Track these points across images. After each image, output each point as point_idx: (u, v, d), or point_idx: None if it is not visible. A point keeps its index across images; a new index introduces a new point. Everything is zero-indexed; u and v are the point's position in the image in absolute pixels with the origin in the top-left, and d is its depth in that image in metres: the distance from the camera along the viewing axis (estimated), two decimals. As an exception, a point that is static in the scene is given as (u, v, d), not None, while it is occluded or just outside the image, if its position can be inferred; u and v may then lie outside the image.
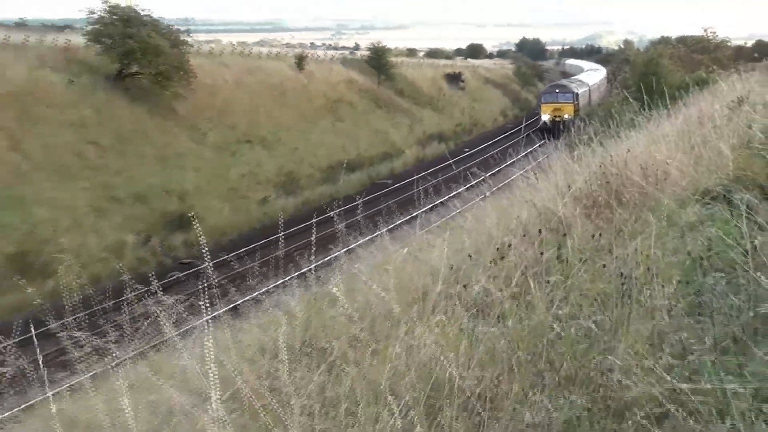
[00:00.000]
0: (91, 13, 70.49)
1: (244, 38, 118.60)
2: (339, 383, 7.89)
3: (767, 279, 7.86)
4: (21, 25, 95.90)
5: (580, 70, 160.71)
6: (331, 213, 32.49)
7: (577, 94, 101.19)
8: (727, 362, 7.42)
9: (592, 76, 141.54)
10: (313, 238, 20.41)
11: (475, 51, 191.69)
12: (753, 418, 6.54)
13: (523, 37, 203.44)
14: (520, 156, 34.08)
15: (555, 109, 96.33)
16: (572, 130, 24.88)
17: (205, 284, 7.79)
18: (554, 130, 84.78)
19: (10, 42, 68.93)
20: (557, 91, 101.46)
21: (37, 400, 13.03)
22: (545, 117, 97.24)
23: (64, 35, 76.86)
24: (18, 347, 8.88)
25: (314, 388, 7.49)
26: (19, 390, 10.76)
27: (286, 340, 7.30)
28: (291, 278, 22.51)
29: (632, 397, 7.06)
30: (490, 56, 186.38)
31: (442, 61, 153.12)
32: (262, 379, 7.25)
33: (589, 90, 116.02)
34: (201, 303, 8.79)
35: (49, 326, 10.80)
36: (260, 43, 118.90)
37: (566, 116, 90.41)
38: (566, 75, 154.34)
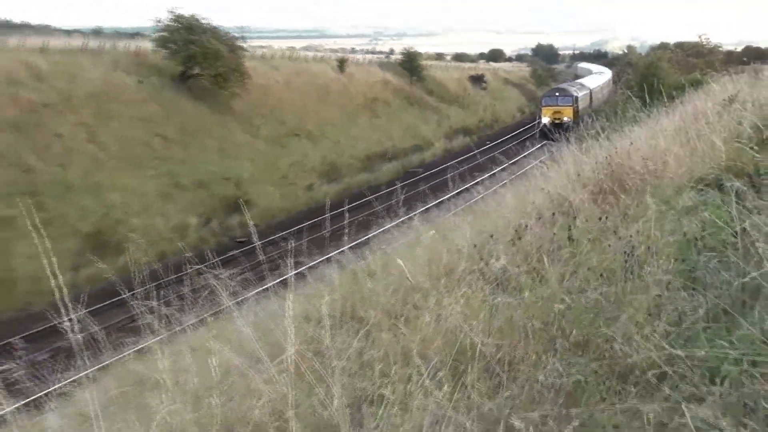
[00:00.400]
0: (159, 21, 71.65)
1: (293, 44, 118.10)
2: (375, 348, 7.90)
3: (755, 257, 7.89)
4: (97, 32, 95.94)
5: (589, 72, 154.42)
6: (370, 197, 32.38)
7: (576, 98, 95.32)
8: (718, 330, 7.46)
9: (594, 79, 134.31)
10: (346, 221, 20.35)
11: (495, 55, 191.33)
12: (742, 380, 6.56)
13: (538, 43, 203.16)
14: (535, 148, 34.13)
15: (555, 112, 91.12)
16: (573, 131, 24.90)
17: (260, 259, 7.82)
18: (554, 132, 77.18)
19: (87, 48, 69.59)
20: (557, 94, 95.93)
21: (109, 361, 13.04)
22: (545, 120, 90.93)
23: (135, 42, 77.60)
24: (93, 315, 8.89)
25: (353, 352, 7.50)
26: (93, 353, 10.74)
27: (329, 309, 7.30)
28: (333, 254, 22.50)
29: (633, 361, 7.06)
30: (509, 60, 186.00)
31: (467, 64, 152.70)
32: (307, 343, 7.26)
33: (591, 92, 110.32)
34: (253, 276, 8.81)
35: (121, 296, 10.82)
36: (307, 48, 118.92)
37: (566, 119, 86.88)
38: (578, 76, 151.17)
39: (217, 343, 8.85)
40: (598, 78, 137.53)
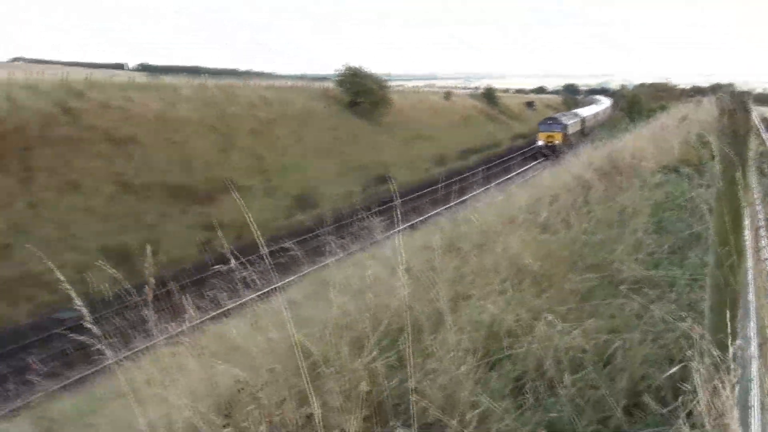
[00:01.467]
0: (338, 71, 74.79)
1: (417, 83, 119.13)
2: (466, 266, 7.89)
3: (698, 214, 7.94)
4: (300, 77, 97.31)
5: (596, 101, 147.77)
6: (466, 174, 32.26)
7: (566, 125, 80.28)
8: (674, 259, 7.51)
9: (590, 108, 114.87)
10: (439, 188, 20.24)
11: (540, 89, 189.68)
12: (688, 290, 6.61)
13: (566, 83, 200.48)
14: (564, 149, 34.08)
15: (548, 137, 76.89)
16: (562, 152, 24.74)
17: (397, 212, 7.79)
18: (547, 152, 71.36)
19: (295, 86, 72.38)
20: (550, 122, 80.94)
21: (307, 271, 13.03)
22: (540, 142, 77.55)
23: (323, 83, 78.90)
24: (296, 244, 8.98)
25: (452, 268, 7.49)
26: (298, 266, 10.83)
27: (439, 242, 7.29)
28: (442, 210, 22.37)
29: (624, 276, 7.03)
30: (549, 93, 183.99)
31: (523, 96, 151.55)
32: (425, 262, 7.26)
33: (583, 120, 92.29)
34: (395, 219, 8.78)
35: (313, 233, 10.88)
36: (425, 86, 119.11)
37: (556, 142, 72.89)
38: (585, 104, 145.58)
39: (371, 260, 8.89)
40: (594, 107, 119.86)
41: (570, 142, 62.57)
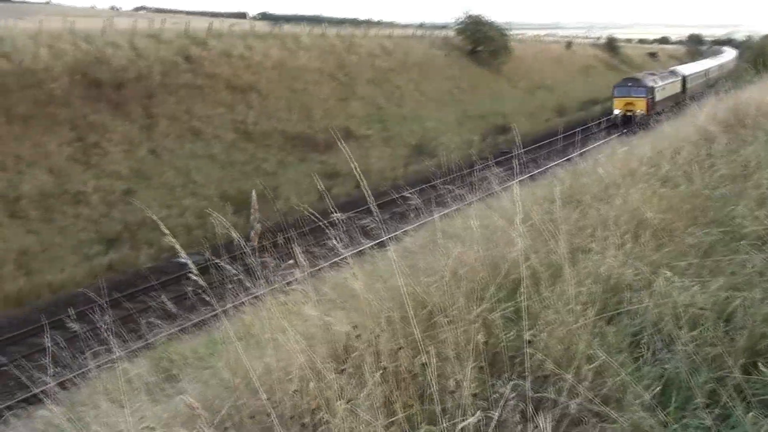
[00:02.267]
0: (458, 18, 75.22)
1: (537, 32, 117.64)
2: (586, 218, 7.82)
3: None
4: (421, 26, 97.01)
5: (720, 52, 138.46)
6: (587, 125, 31.78)
7: (652, 89, 60.34)
8: None
9: (701, 63, 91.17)
10: (559, 140, 19.99)
11: (664, 40, 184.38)
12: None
13: (691, 33, 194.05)
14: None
15: (626, 104, 58.68)
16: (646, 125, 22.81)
17: (516, 163, 7.76)
18: (624, 125, 54.57)
19: (415, 35, 72.47)
20: (629, 84, 61.42)
21: (424, 221, 13.06)
22: (616, 111, 59.22)
23: (443, 31, 78.74)
24: (414, 192, 9.01)
25: (572, 220, 7.44)
26: (417, 216, 10.83)
27: (559, 193, 7.22)
28: (561, 161, 22.17)
29: (746, 231, 6.80)
30: (673, 43, 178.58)
31: (646, 46, 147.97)
32: (545, 213, 7.21)
33: (684, 80, 70.15)
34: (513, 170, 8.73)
35: (432, 183, 10.86)
36: (547, 35, 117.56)
37: (638, 112, 56.67)
38: (712, 54, 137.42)
39: (489, 211, 8.89)
40: (709, 61, 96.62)
41: (657, 110, 49.83)
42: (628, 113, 57.60)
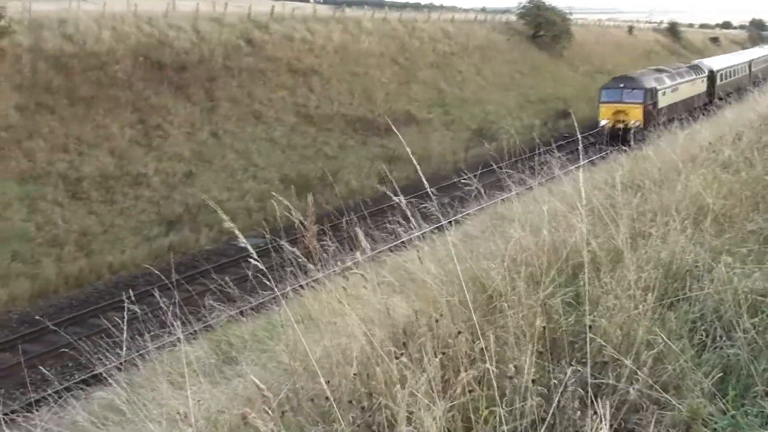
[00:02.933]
0: (521, 3, 74.56)
1: (598, 17, 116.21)
2: (646, 203, 7.78)
3: None
4: (483, 10, 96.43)
5: None
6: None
7: (652, 91, 44.11)
8: None
9: (735, 57, 67.50)
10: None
11: (726, 25, 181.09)
12: None
13: (753, 18, 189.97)
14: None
15: (617, 112, 43.04)
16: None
17: (578, 147, 7.70)
18: (617, 140, 34.29)
19: (476, 19, 72.03)
20: (622, 85, 44.95)
21: (485, 205, 13.04)
22: (603, 121, 43.31)
23: (505, 15, 78.50)
24: (475, 176, 8.97)
25: (633, 205, 7.39)
26: (478, 201, 10.84)
27: (619, 178, 7.20)
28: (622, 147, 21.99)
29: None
30: (735, 28, 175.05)
31: (707, 31, 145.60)
32: (605, 198, 7.19)
33: (711, 75, 53.42)
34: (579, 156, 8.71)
35: (491, 167, 10.83)
36: (608, 20, 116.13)
37: (632, 122, 40.27)
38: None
39: (550, 195, 8.86)
40: (749, 53, 73.33)
41: (660, 120, 35.09)
42: (619, 125, 40.97)
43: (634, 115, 41.73)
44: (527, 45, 70.98)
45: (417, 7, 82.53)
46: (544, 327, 4.87)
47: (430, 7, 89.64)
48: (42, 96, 32.61)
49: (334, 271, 6.88)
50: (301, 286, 7.41)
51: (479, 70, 60.47)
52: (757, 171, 8.42)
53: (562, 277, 5.81)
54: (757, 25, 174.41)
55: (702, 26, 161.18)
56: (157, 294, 7.89)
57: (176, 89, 38.37)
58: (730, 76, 56.81)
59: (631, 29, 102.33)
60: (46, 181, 29.39)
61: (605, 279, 5.51)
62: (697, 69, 53.20)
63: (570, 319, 5.20)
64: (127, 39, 38.97)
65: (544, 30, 72.05)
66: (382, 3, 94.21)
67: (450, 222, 7.20)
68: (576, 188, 5.71)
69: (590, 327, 4.78)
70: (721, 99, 35.85)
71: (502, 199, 11.88)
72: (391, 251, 9.04)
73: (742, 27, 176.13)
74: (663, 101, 44.47)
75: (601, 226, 6.58)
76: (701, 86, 51.51)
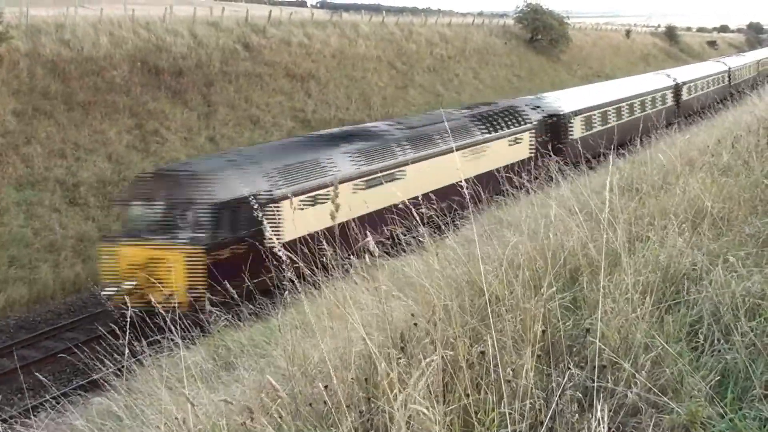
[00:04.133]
0: (518, 7, 75.52)
1: (596, 20, 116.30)
2: (644, 207, 7.80)
3: None
4: (480, 14, 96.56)
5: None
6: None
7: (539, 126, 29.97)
8: None
9: (696, 69, 57.99)
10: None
11: (723, 28, 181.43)
12: None
13: (751, 21, 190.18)
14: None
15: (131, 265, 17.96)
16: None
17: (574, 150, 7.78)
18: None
19: (473, 23, 71.79)
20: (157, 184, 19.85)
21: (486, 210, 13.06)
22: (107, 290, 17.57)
23: (503, 19, 78.79)
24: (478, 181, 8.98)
25: (631, 209, 7.41)
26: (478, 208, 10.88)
27: (616, 183, 7.22)
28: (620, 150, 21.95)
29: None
30: (732, 32, 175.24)
31: (705, 34, 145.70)
32: (602, 203, 7.21)
33: (676, 89, 47.00)
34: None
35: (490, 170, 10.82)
36: (606, 24, 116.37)
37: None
38: None
39: (548, 200, 8.87)
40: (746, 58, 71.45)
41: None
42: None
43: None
44: (525, 49, 71.25)
45: (414, 11, 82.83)
46: (542, 331, 4.88)
47: (427, 11, 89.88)
48: (39, 101, 32.51)
49: (333, 275, 6.87)
50: (299, 291, 7.41)
51: (477, 73, 60.60)
52: (755, 174, 8.45)
53: (560, 281, 5.82)
54: (754, 28, 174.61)
55: (700, 30, 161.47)
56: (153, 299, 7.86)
57: (173, 94, 38.30)
58: (696, 92, 50.14)
59: (628, 33, 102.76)
60: (44, 186, 29.24)
61: (603, 283, 5.53)
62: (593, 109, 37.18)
63: (568, 323, 5.22)
64: (125, 44, 38.91)
65: (542, 34, 72.65)
66: (378, 7, 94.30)
67: (448, 227, 7.18)
68: (574, 192, 5.72)
69: (588, 330, 4.79)
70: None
71: (501, 204, 11.91)
72: (391, 256, 9.04)
73: (739, 31, 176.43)
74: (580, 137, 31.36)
75: (599, 229, 6.60)
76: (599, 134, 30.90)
